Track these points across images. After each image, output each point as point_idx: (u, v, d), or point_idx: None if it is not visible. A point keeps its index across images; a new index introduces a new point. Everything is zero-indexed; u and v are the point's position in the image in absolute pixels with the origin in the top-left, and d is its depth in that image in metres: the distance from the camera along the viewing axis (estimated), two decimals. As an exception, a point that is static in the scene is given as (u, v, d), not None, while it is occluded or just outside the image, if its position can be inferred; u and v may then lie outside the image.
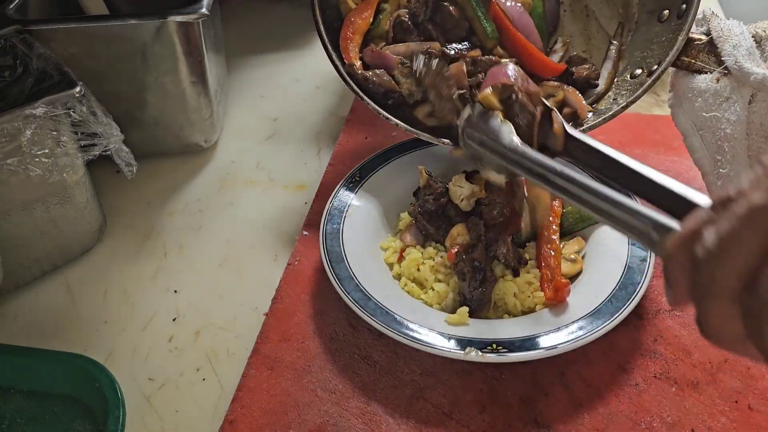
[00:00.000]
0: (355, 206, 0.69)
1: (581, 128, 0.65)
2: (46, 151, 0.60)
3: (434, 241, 0.66)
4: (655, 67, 0.63)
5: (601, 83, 0.70)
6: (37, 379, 0.57)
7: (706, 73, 0.60)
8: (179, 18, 0.72)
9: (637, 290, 0.58)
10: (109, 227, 0.75)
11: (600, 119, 0.65)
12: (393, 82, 0.67)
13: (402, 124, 0.65)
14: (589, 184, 0.40)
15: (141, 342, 0.63)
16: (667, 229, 0.34)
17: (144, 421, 0.56)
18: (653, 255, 0.60)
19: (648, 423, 0.53)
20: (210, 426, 0.55)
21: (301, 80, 1.01)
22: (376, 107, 0.66)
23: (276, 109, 0.95)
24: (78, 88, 0.62)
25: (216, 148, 0.88)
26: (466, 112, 0.55)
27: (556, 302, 0.59)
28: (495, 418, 0.54)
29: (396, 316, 0.57)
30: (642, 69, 0.66)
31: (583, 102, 0.68)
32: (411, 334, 0.55)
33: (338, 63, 0.69)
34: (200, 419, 0.56)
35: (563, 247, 0.64)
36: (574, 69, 0.70)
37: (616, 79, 0.70)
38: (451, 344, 0.55)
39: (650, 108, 0.90)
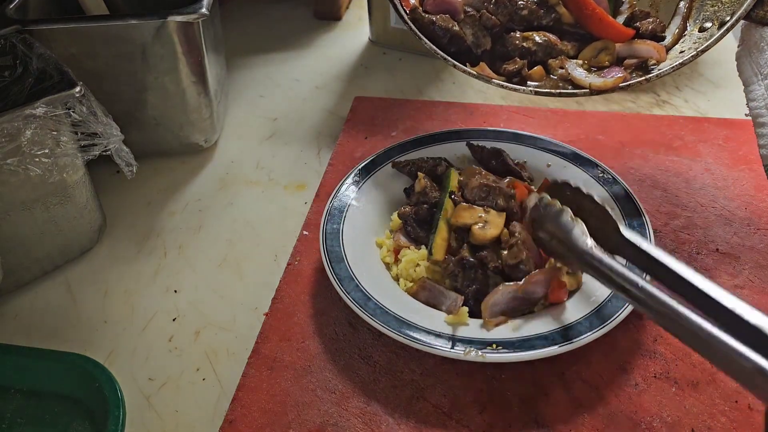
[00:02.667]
0: (355, 206, 0.69)
1: (652, 74, 0.63)
2: (46, 151, 0.60)
3: (423, 245, 0.65)
4: (728, 18, 0.61)
5: (668, 37, 0.67)
6: (37, 379, 0.57)
7: None
8: (179, 18, 0.72)
9: (637, 290, 0.57)
10: (109, 227, 0.75)
11: (669, 67, 0.62)
12: (458, 28, 0.65)
13: (470, 70, 0.64)
14: (679, 310, 0.39)
15: (141, 342, 0.63)
16: None
17: (144, 421, 0.56)
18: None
19: (648, 423, 0.53)
20: (210, 426, 0.55)
21: (301, 80, 1.01)
22: (443, 54, 0.64)
23: (276, 109, 0.95)
24: (78, 88, 0.62)
25: (216, 148, 0.88)
26: (533, 200, 0.56)
27: (556, 302, 0.59)
28: (495, 418, 0.54)
29: (396, 316, 0.57)
30: (712, 22, 0.64)
31: (658, 45, 0.65)
32: (411, 334, 0.55)
33: (400, 8, 0.67)
34: (200, 419, 0.56)
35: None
36: (638, 24, 0.68)
37: (684, 33, 0.67)
38: (451, 344, 0.55)
39: (650, 108, 0.90)
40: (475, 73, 0.64)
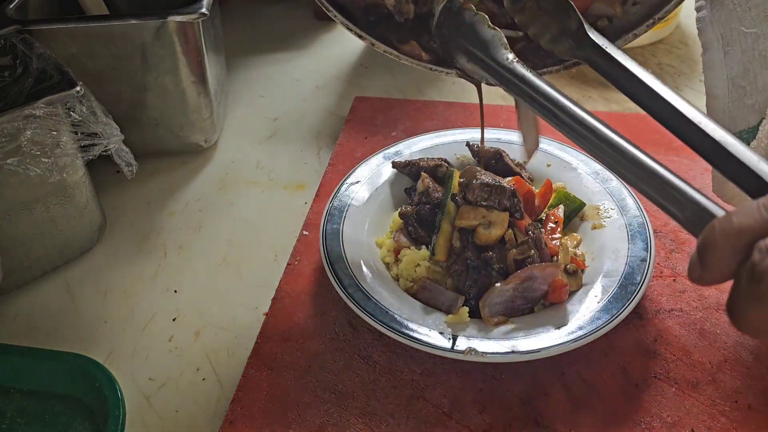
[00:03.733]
0: (355, 206, 0.69)
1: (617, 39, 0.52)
2: (46, 151, 0.60)
3: (424, 245, 0.65)
4: None
5: None
6: (37, 379, 0.57)
7: None
8: (179, 18, 0.72)
9: (637, 290, 0.58)
10: (109, 227, 0.75)
11: (622, 38, 0.52)
12: None
13: (391, 50, 0.53)
14: (605, 134, 0.36)
15: (141, 342, 0.63)
16: (710, 214, 0.33)
17: (144, 421, 0.56)
18: (653, 255, 0.60)
19: (648, 423, 0.53)
20: (210, 426, 0.55)
21: (301, 80, 1.01)
22: (356, 28, 0.53)
23: (276, 109, 0.95)
24: (78, 88, 0.62)
25: (216, 148, 0.88)
26: (442, 2, 0.47)
27: (556, 302, 0.59)
28: (495, 418, 0.54)
29: (396, 316, 0.57)
30: None
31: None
32: (411, 334, 0.55)
33: None
34: (200, 419, 0.56)
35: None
36: None
37: None
38: (451, 344, 0.55)
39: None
40: (395, 53, 0.52)
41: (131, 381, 0.59)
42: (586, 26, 0.47)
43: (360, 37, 0.52)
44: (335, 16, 0.52)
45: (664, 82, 0.42)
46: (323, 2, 0.53)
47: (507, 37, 0.50)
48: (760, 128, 0.46)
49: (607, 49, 0.44)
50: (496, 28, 0.47)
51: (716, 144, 0.38)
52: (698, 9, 0.53)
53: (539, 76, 0.43)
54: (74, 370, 0.56)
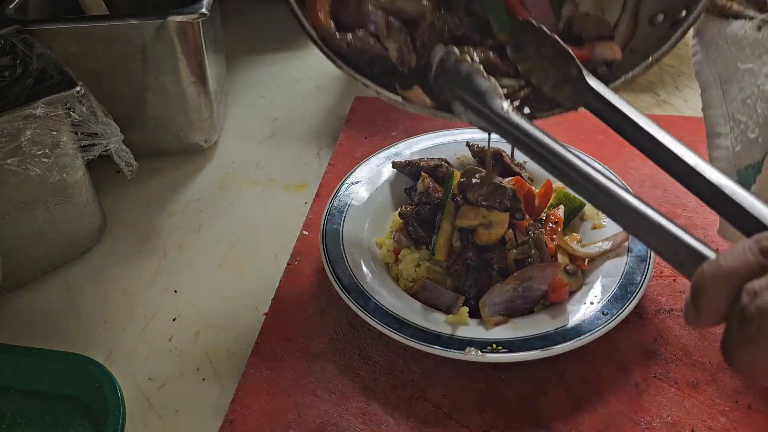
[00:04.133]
0: (355, 206, 0.69)
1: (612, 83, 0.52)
2: (46, 151, 0.60)
3: (424, 245, 0.65)
4: (682, 13, 0.51)
5: (617, 37, 0.57)
6: (37, 379, 0.57)
7: (744, 19, 0.50)
8: (179, 18, 0.72)
9: (637, 290, 0.58)
10: (109, 227, 0.75)
11: (621, 80, 0.52)
12: (380, 45, 0.55)
13: (395, 97, 0.53)
14: (598, 181, 0.38)
15: (141, 342, 0.63)
16: (701, 257, 0.34)
17: (144, 421, 0.56)
18: (653, 255, 0.60)
19: (648, 423, 0.53)
20: (210, 426, 0.55)
21: (301, 80, 1.01)
22: (362, 78, 0.54)
23: (276, 109, 0.95)
24: (78, 88, 0.62)
25: (216, 148, 0.88)
26: (439, 54, 0.49)
27: (556, 302, 0.59)
28: (495, 418, 0.54)
29: (396, 316, 0.57)
30: (664, 14, 0.55)
31: (607, 43, 0.56)
32: (411, 334, 0.55)
33: (307, 25, 0.56)
34: (200, 419, 0.56)
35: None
36: (579, 31, 0.57)
37: (635, 29, 0.58)
38: (451, 344, 0.55)
39: (650, 108, 0.90)
40: (400, 100, 0.53)
41: (131, 381, 0.59)
42: (585, 73, 0.48)
43: (366, 85, 0.53)
44: (341, 67, 0.54)
45: (663, 128, 0.42)
46: (329, 54, 0.54)
47: (510, 86, 0.52)
48: (765, 162, 0.46)
49: (605, 96, 0.46)
50: (491, 78, 0.47)
51: (713, 186, 0.38)
52: (694, 54, 0.54)
53: (533, 124, 0.44)
54: (74, 370, 0.56)
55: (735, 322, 0.30)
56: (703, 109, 0.53)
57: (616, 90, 0.49)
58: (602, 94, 0.45)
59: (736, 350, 0.30)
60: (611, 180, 0.40)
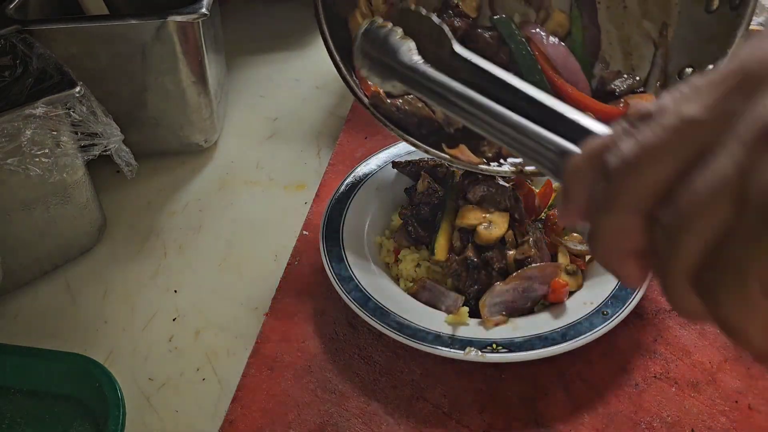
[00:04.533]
0: (355, 206, 0.68)
1: None
2: (46, 151, 0.60)
3: (424, 245, 0.65)
4: (710, 66, 0.55)
5: (649, 90, 0.63)
6: (37, 379, 0.57)
7: None
8: (179, 18, 0.72)
9: (638, 290, 0.58)
10: (109, 227, 0.75)
11: None
12: (427, 109, 0.60)
13: (445, 156, 0.58)
14: (490, 107, 0.38)
15: (141, 342, 0.63)
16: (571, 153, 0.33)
17: (144, 421, 0.56)
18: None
19: (648, 423, 0.53)
20: (210, 426, 0.55)
21: (301, 80, 1.01)
22: (413, 140, 0.59)
23: (276, 109, 0.95)
24: (78, 88, 0.62)
25: (216, 148, 0.88)
26: (364, 25, 0.51)
27: (556, 302, 0.59)
28: (495, 418, 0.54)
29: (396, 316, 0.57)
30: (693, 68, 0.58)
31: (641, 96, 0.60)
32: (411, 334, 0.55)
33: (360, 93, 0.62)
34: (200, 419, 0.56)
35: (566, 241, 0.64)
36: (612, 87, 0.63)
37: (665, 84, 0.62)
38: (451, 344, 0.55)
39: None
40: (448, 157, 0.58)
41: (131, 381, 0.59)
42: (453, 42, 0.50)
43: (415, 145, 0.58)
44: (392, 130, 0.59)
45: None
46: (381, 119, 0.59)
47: None
48: None
49: (473, 60, 0.47)
50: (407, 38, 0.49)
51: (543, 106, 0.38)
52: None
53: (442, 74, 0.44)
54: (74, 370, 0.56)
55: (599, 186, 0.28)
56: None
57: None
58: (469, 58, 0.46)
59: (598, 218, 0.28)
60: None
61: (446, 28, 0.50)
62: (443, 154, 0.59)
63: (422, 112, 0.60)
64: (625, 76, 0.64)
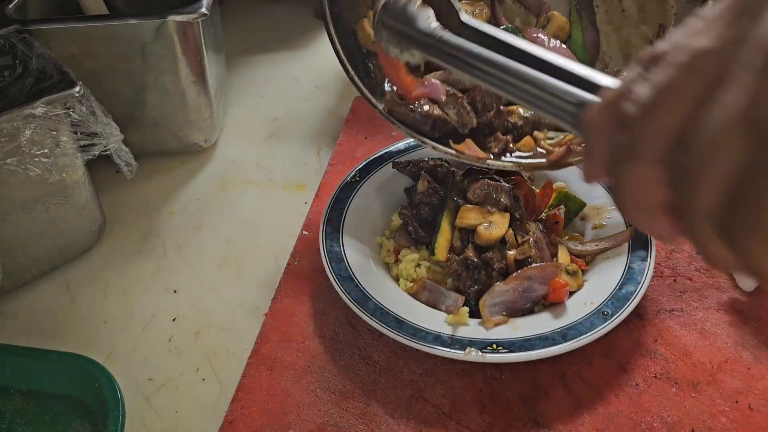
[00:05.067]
0: (355, 206, 0.68)
1: None
2: (46, 150, 0.60)
3: (424, 245, 0.65)
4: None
5: None
6: (37, 379, 0.57)
7: None
8: (179, 18, 0.72)
9: (637, 290, 0.58)
10: (108, 227, 0.75)
11: None
12: (440, 110, 0.62)
13: (453, 151, 0.60)
14: (507, 64, 0.38)
15: (141, 342, 0.63)
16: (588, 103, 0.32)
17: (144, 421, 0.56)
18: (653, 254, 0.60)
19: (648, 423, 0.53)
20: (210, 426, 0.55)
21: (301, 80, 1.01)
22: (429, 141, 0.61)
23: (276, 109, 0.95)
24: (77, 88, 0.62)
25: (216, 148, 0.88)
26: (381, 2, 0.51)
27: (556, 302, 0.59)
28: (495, 418, 0.54)
29: (396, 316, 0.57)
30: None
31: None
32: (411, 334, 0.55)
33: (374, 100, 0.63)
34: (200, 419, 0.56)
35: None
36: None
37: None
38: (451, 344, 0.55)
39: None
40: (454, 152, 0.60)
41: (131, 381, 0.59)
42: (459, 12, 0.50)
43: (422, 143, 0.61)
44: (407, 132, 0.61)
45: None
46: (394, 122, 0.61)
47: None
48: None
49: (480, 28, 0.47)
50: (426, 6, 0.50)
51: (553, 66, 0.37)
52: None
53: (464, 40, 0.44)
54: (74, 370, 0.56)
55: (617, 136, 0.27)
56: None
57: None
58: (476, 27, 0.46)
59: (617, 168, 0.27)
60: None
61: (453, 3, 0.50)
62: (450, 150, 0.60)
63: (436, 114, 0.61)
64: (625, 74, 0.65)
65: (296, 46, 1.09)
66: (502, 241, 0.60)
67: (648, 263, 0.60)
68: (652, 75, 0.26)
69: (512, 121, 0.64)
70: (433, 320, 0.57)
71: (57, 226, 0.67)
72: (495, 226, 0.60)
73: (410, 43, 0.48)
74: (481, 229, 0.60)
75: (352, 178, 0.71)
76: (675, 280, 0.64)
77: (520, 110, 0.65)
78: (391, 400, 0.55)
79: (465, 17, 0.49)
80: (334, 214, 0.67)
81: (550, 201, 0.68)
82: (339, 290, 0.59)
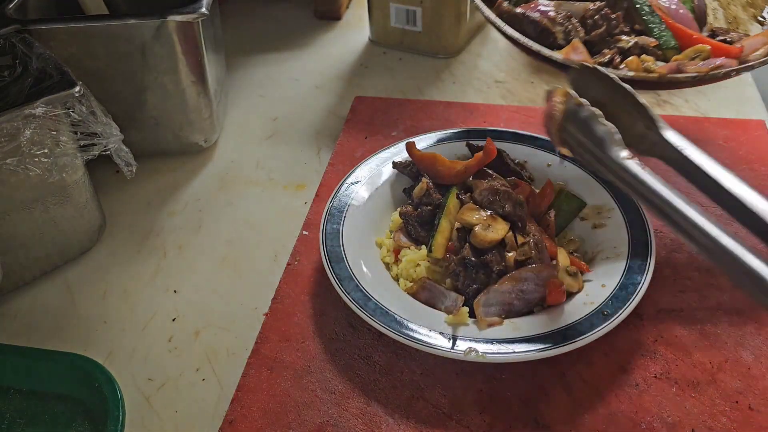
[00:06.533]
0: (355, 206, 0.68)
1: (744, 65, 0.64)
2: (46, 150, 0.60)
3: (423, 245, 0.65)
4: None
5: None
6: (37, 379, 0.57)
7: None
8: (179, 18, 0.72)
9: (637, 290, 0.58)
10: (108, 227, 0.75)
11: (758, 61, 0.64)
12: (547, 20, 0.70)
13: (555, 54, 0.65)
14: (711, 233, 0.36)
15: (141, 342, 0.63)
16: None
17: (144, 421, 0.56)
18: (653, 255, 0.60)
19: (648, 423, 0.53)
20: (210, 426, 0.55)
21: (301, 80, 1.01)
22: (525, 39, 0.66)
23: (276, 109, 0.95)
24: (77, 88, 0.62)
25: (216, 148, 0.88)
26: (564, 104, 0.52)
27: (555, 302, 0.59)
28: (495, 419, 0.54)
29: (396, 316, 0.57)
30: None
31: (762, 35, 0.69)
32: (411, 334, 0.55)
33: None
34: (200, 419, 0.56)
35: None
36: (725, 38, 0.72)
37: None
38: (451, 344, 0.55)
39: (651, 107, 0.90)
40: (560, 57, 0.64)
41: (131, 381, 0.59)
42: (661, 127, 0.50)
43: (527, 45, 0.66)
44: (513, 37, 0.67)
45: (745, 181, 0.42)
46: (496, 22, 0.68)
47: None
48: None
49: (683, 150, 0.46)
50: (608, 123, 0.49)
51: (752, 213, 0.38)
52: None
53: (653, 174, 0.44)
54: (74, 371, 0.56)
55: None
56: None
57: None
58: (680, 148, 0.45)
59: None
60: (731, 236, 0.37)
61: (648, 107, 0.50)
62: (556, 54, 0.65)
63: (546, 24, 0.70)
64: (734, 34, 0.72)
65: (296, 46, 1.09)
66: (502, 243, 0.60)
67: (648, 263, 0.60)
68: None
69: (620, 45, 0.69)
70: (433, 320, 0.57)
71: (57, 226, 0.67)
72: (492, 230, 0.60)
73: (599, 164, 0.47)
74: (477, 229, 0.60)
75: (352, 178, 0.71)
76: (675, 280, 0.64)
77: (630, 39, 0.71)
78: (391, 400, 0.55)
79: (669, 134, 0.47)
80: (334, 213, 0.67)
81: (551, 201, 0.68)
82: (339, 290, 0.59)
